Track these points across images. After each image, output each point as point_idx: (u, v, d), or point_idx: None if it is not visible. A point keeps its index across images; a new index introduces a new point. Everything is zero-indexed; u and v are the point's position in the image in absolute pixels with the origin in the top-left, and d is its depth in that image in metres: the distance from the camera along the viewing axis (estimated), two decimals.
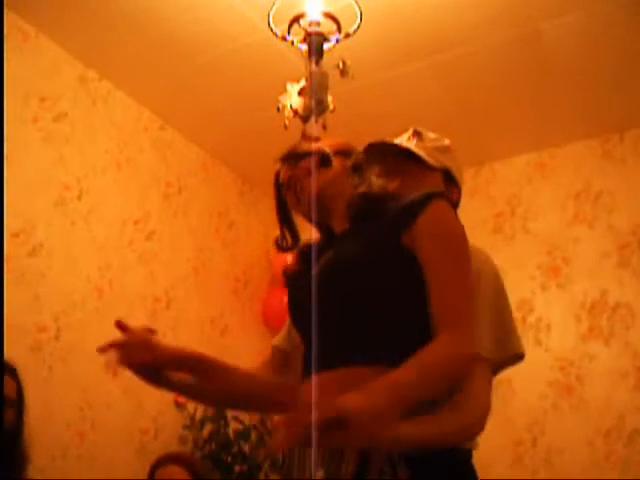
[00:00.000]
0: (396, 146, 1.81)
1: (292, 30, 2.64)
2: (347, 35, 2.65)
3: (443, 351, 1.35)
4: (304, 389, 1.45)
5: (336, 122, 2.47)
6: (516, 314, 4.21)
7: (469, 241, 1.52)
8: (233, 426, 3.84)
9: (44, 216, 3.30)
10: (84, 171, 3.54)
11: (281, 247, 1.72)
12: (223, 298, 4.28)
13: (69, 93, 3.54)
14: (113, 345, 1.66)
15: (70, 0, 3.17)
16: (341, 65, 2.51)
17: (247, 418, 3.87)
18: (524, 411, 3.86)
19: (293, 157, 1.66)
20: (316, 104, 2.41)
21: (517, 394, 3.88)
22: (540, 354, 3.90)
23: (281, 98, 2.53)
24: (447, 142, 1.86)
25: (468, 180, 4.44)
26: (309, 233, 1.72)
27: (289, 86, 2.54)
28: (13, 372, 2.55)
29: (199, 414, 3.80)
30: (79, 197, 3.49)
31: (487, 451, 3.91)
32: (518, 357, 1.61)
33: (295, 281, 1.66)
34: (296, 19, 2.61)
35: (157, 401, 3.69)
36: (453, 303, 1.40)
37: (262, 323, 4.37)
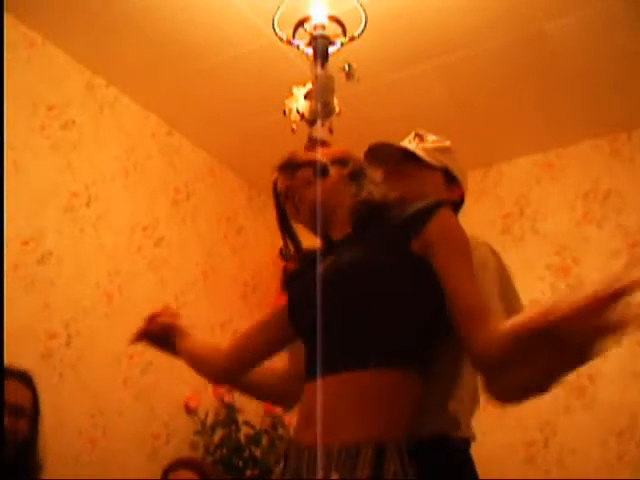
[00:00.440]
0: (396, 147, 1.84)
1: (297, 34, 2.64)
2: (352, 38, 2.65)
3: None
4: (309, 391, 1.47)
5: (342, 125, 2.47)
6: None
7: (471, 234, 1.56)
8: (244, 431, 3.84)
9: (53, 223, 3.31)
10: (92, 178, 3.56)
11: (285, 256, 1.73)
12: (232, 303, 4.28)
13: (76, 100, 3.55)
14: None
15: (76, 7, 3.18)
16: (347, 68, 2.51)
17: (258, 423, 3.87)
18: (536, 411, 3.84)
19: (290, 166, 1.67)
20: (322, 107, 2.41)
21: None
22: None
23: (287, 102, 2.53)
24: (447, 143, 1.89)
25: (476, 182, 4.44)
26: (311, 240, 1.73)
27: (295, 90, 2.54)
28: (29, 381, 2.54)
29: (210, 419, 3.81)
30: (88, 204, 3.50)
31: (499, 451, 3.91)
32: None
33: (295, 284, 1.68)
34: (301, 23, 2.61)
35: (168, 407, 3.69)
36: (477, 298, 1.44)
37: None
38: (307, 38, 2.62)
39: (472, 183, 4.36)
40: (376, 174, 1.72)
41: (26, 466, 2.47)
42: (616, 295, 1.11)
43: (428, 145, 1.86)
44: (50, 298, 3.22)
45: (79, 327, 3.32)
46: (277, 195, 1.71)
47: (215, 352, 1.90)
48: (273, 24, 2.66)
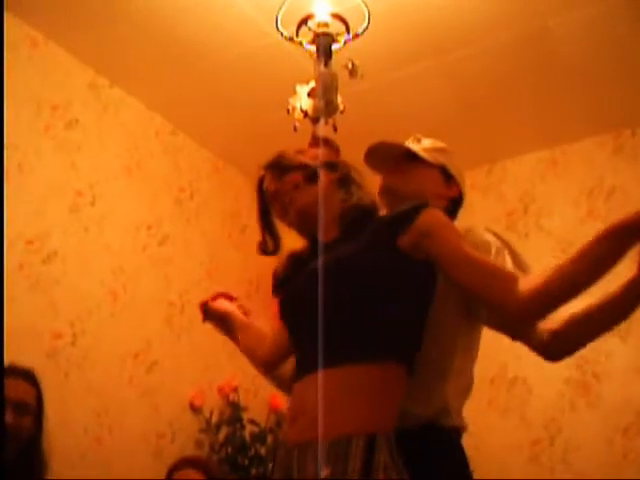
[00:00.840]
0: (396, 146, 1.89)
1: (300, 32, 2.64)
2: (356, 36, 2.65)
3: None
4: (297, 389, 1.49)
5: (346, 123, 2.47)
6: None
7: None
8: (249, 429, 3.84)
9: (58, 223, 3.32)
10: (96, 177, 3.56)
11: (264, 251, 1.77)
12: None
13: (80, 100, 3.56)
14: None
15: (78, 6, 3.19)
16: (350, 66, 2.51)
17: (263, 421, 3.87)
18: (541, 409, 3.83)
19: (279, 167, 1.69)
20: (326, 105, 2.41)
21: (533, 392, 3.86)
22: None
23: (291, 100, 2.54)
24: (443, 144, 1.96)
25: (480, 178, 4.44)
26: (291, 236, 1.76)
27: (299, 88, 2.54)
28: (33, 379, 2.55)
29: (215, 418, 3.81)
30: (92, 203, 3.50)
31: (504, 450, 3.91)
32: None
33: (285, 286, 1.70)
34: (304, 21, 2.61)
35: (173, 405, 3.70)
36: (494, 266, 1.52)
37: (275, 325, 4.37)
38: (310, 36, 2.62)
39: (476, 180, 4.42)
40: (363, 179, 1.74)
41: (31, 462, 2.47)
42: None
43: (425, 145, 1.91)
44: (55, 297, 3.23)
45: (84, 326, 3.32)
46: (262, 192, 1.75)
47: (262, 344, 1.90)
48: (276, 22, 2.66)
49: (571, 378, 3.81)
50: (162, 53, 3.49)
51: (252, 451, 3.79)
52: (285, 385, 1.88)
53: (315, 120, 2.45)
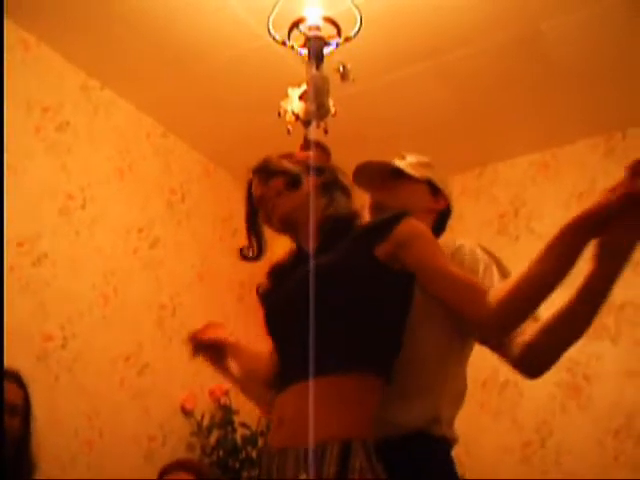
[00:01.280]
0: (380, 165, 1.93)
1: (292, 35, 2.64)
2: (347, 39, 2.65)
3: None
4: (279, 400, 1.49)
5: (338, 126, 2.47)
6: None
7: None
8: (240, 432, 3.84)
9: (48, 225, 3.31)
10: (87, 180, 3.55)
11: (246, 256, 1.77)
12: (228, 304, 4.28)
13: (71, 102, 3.55)
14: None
15: (70, 9, 3.18)
16: (341, 69, 2.51)
17: (254, 424, 3.87)
18: (532, 412, 3.84)
19: (265, 172, 1.69)
20: (317, 108, 2.41)
21: (525, 395, 3.86)
22: None
23: (282, 103, 2.54)
24: (427, 159, 1.99)
25: (471, 181, 4.45)
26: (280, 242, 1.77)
27: (290, 91, 2.55)
28: (18, 379, 2.55)
29: (206, 421, 3.80)
30: (83, 206, 3.49)
31: (496, 452, 3.91)
32: None
33: (269, 298, 1.70)
34: (296, 24, 2.62)
35: (164, 408, 3.69)
36: (466, 279, 1.49)
37: None
38: (302, 39, 2.62)
39: (468, 182, 4.42)
40: (349, 184, 1.74)
41: (20, 464, 2.47)
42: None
43: (410, 161, 1.95)
44: (46, 300, 3.22)
45: (75, 329, 3.31)
46: (250, 195, 1.74)
47: (262, 363, 1.81)
48: (268, 25, 2.66)
49: (562, 381, 3.82)
50: (153, 55, 3.49)
51: (243, 454, 3.78)
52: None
53: (307, 123, 2.45)
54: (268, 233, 1.79)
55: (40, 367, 3.12)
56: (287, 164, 1.69)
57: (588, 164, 4.13)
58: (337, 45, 2.63)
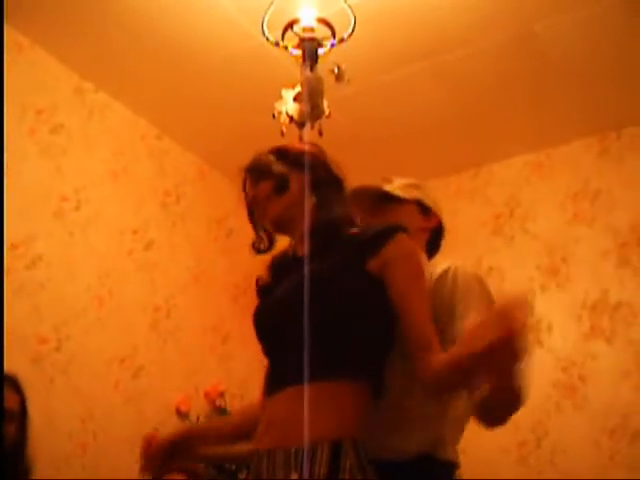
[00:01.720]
0: (369, 190, 1.94)
1: (286, 36, 2.64)
2: (341, 40, 2.65)
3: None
4: (268, 404, 1.49)
5: (333, 127, 2.47)
6: None
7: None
8: None
9: (43, 228, 3.30)
10: (82, 182, 3.54)
11: (258, 249, 1.77)
12: (223, 305, 4.27)
13: (65, 104, 3.54)
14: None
15: (64, 11, 3.17)
16: (336, 70, 2.51)
17: None
18: (528, 412, 3.80)
19: (256, 171, 1.70)
20: (311, 110, 2.41)
21: None
22: (542, 355, 3.89)
23: (277, 104, 2.54)
24: (414, 180, 2.00)
25: (466, 182, 4.45)
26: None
27: (284, 92, 2.55)
28: (16, 384, 2.55)
29: (202, 423, 3.79)
30: (77, 208, 3.49)
31: (491, 452, 3.91)
32: None
33: (265, 295, 1.70)
34: (290, 25, 2.61)
35: (159, 411, 3.68)
36: (429, 326, 1.49)
37: None
38: (296, 40, 2.62)
39: (463, 183, 4.42)
40: (342, 178, 1.72)
41: (15, 469, 2.47)
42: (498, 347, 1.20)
43: (398, 184, 1.96)
44: (40, 302, 3.21)
45: (69, 331, 3.30)
46: (247, 195, 1.74)
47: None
48: (262, 27, 2.66)
49: (557, 381, 3.82)
50: (147, 58, 3.48)
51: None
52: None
53: (301, 125, 2.45)
54: None
55: (35, 370, 3.11)
56: (276, 166, 1.67)
57: (582, 164, 4.14)
58: (331, 46, 2.63)
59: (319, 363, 1.45)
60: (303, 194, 1.64)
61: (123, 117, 3.86)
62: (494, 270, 4.13)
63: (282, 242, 1.77)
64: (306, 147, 1.76)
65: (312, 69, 2.52)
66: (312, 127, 2.45)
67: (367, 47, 3.33)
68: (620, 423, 3.61)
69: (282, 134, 2.42)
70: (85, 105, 3.65)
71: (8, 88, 3.20)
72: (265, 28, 2.66)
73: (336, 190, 1.68)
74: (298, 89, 2.52)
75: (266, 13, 2.64)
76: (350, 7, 2.68)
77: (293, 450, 1.39)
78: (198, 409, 3.82)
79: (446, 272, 1.67)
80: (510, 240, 4.23)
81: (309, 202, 1.63)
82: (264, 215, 1.67)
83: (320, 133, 2.44)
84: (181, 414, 3.75)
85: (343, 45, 2.68)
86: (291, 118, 2.47)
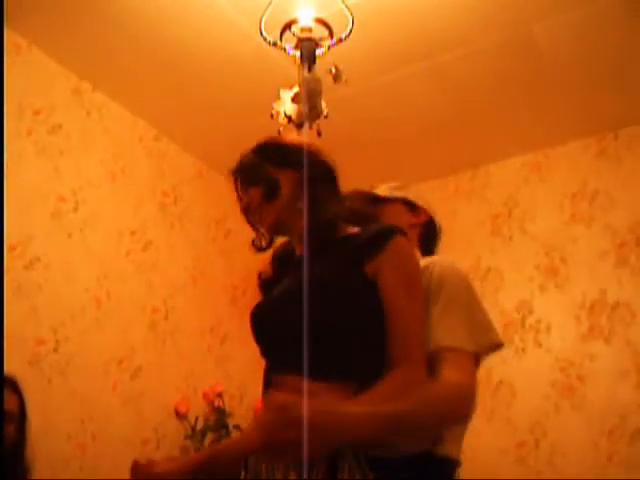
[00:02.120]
0: (356, 194, 1.97)
1: (284, 37, 2.64)
2: (339, 41, 2.65)
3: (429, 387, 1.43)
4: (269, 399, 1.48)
5: (332, 128, 2.47)
6: (515, 316, 4.20)
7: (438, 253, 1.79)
8: (235, 435, 3.83)
9: (40, 229, 3.29)
10: (80, 183, 3.54)
11: (258, 247, 1.76)
12: (222, 306, 4.27)
13: (63, 105, 3.54)
14: None
15: (62, 11, 3.17)
16: (333, 70, 2.51)
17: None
18: (526, 412, 3.85)
19: (243, 177, 1.69)
20: (310, 110, 2.41)
21: (519, 395, 3.87)
22: (541, 355, 3.89)
23: (275, 105, 2.54)
24: (399, 183, 2.09)
25: (465, 183, 4.46)
26: None
27: (282, 93, 2.54)
28: (14, 386, 2.54)
29: (200, 424, 3.79)
30: (75, 209, 3.48)
31: (490, 453, 3.91)
32: (496, 346, 1.65)
33: (267, 290, 1.71)
34: (288, 26, 2.61)
35: (158, 412, 3.68)
36: (414, 336, 1.47)
37: None
38: (294, 41, 2.62)
39: (461, 184, 4.43)
40: (335, 173, 1.70)
41: (14, 470, 2.47)
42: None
43: (383, 187, 2.04)
44: (38, 303, 3.20)
45: (67, 332, 3.30)
46: (239, 198, 1.73)
47: None
48: (260, 27, 2.66)
49: (556, 381, 3.82)
50: (145, 58, 3.48)
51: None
52: None
53: (299, 125, 2.45)
54: None
55: (33, 371, 3.11)
56: (263, 169, 1.65)
57: (580, 164, 4.14)
58: (329, 47, 2.63)
59: (316, 364, 1.44)
60: (295, 194, 1.62)
61: (121, 118, 3.86)
62: (493, 270, 4.14)
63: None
64: (295, 140, 1.74)
65: (310, 70, 2.52)
66: (310, 128, 2.44)
67: (365, 48, 3.33)
68: (618, 423, 3.61)
69: (279, 134, 2.42)
70: (83, 106, 3.65)
71: (6, 89, 3.20)
72: (263, 29, 2.66)
73: (329, 185, 1.66)
74: (296, 90, 2.52)
75: (264, 13, 2.64)
76: (348, 8, 2.68)
77: None
78: (197, 410, 3.82)
79: (427, 267, 1.66)
80: (508, 240, 4.23)
81: (300, 203, 1.61)
82: (260, 222, 1.67)
83: (318, 134, 2.43)
84: (180, 415, 3.75)
85: (341, 46, 2.68)
86: (289, 119, 2.47)
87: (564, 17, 3.21)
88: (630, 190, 3.95)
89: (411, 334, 1.47)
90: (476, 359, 1.59)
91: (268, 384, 1.57)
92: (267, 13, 2.64)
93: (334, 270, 1.52)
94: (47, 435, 3.04)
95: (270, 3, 2.65)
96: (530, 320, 4.00)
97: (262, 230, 1.73)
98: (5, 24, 3.24)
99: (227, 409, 3.88)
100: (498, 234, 4.26)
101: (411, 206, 2.00)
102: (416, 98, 3.79)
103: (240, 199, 1.72)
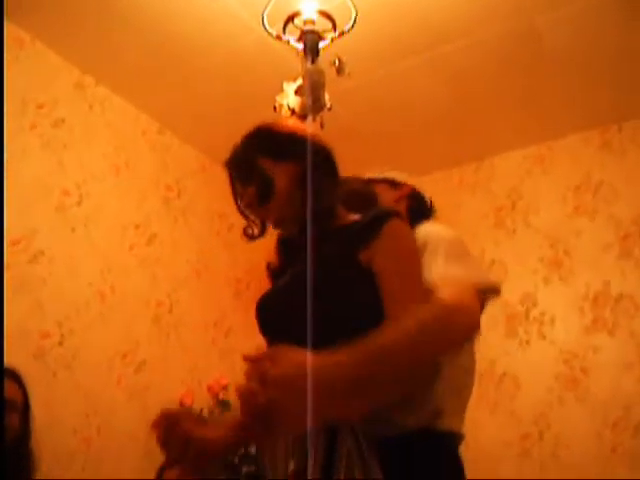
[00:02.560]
0: (348, 178, 1.99)
1: (287, 29, 2.64)
2: (342, 33, 2.65)
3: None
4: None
5: (335, 120, 2.47)
6: (519, 308, 4.20)
7: (434, 224, 1.76)
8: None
9: (44, 222, 3.30)
10: (83, 176, 3.54)
11: (250, 236, 1.76)
12: (226, 300, 4.28)
13: (66, 99, 3.54)
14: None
15: (65, 6, 3.17)
16: (337, 63, 2.51)
17: None
18: (530, 405, 3.85)
19: (237, 172, 1.71)
20: (313, 102, 2.41)
21: (522, 388, 3.87)
22: (545, 347, 3.90)
23: (278, 98, 2.53)
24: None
25: (469, 175, 4.46)
26: None
27: (286, 85, 2.54)
28: (17, 378, 2.55)
29: (205, 417, 3.80)
30: (79, 203, 3.49)
31: (494, 445, 3.92)
32: (494, 288, 1.62)
33: (277, 279, 1.71)
34: (291, 18, 2.61)
35: (163, 405, 3.67)
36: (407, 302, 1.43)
37: None
38: (297, 33, 2.62)
39: (465, 177, 4.43)
40: (332, 159, 1.69)
41: (19, 462, 2.47)
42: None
43: (367, 175, 2.14)
44: (42, 297, 3.21)
45: (72, 326, 3.31)
46: (233, 189, 1.73)
47: None
48: (263, 20, 2.66)
49: (560, 373, 3.82)
50: (148, 51, 3.48)
51: (242, 450, 3.78)
52: None
53: (302, 117, 2.45)
54: None
55: (37, 365, 3.12)
56: (259, 165, 1.64)
57: (584, 157, 4.14)
58: (332, 39, 2.62)
59: (318, 352, 1.45)
60: (292, 186, 1.60)
61: (124, 111, 3.86)
62: (496, 263, 4.14)
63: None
64: (289, 128, 1.72)
65: (313, 62, 2.52)
66: (313, 120, 2.44)
67: (368, 40, 3.32)
68: (622, 415, 3.62)
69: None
70: (86, 99, 3.65)
71: (9, 83, 3.20)
72: (266, 21, 2.66)
73: (328, 171, 1.65)
74: (299, 82, 2.52)
75: (267, 6, 2.64)
76: (351, 0, 2.67)
77: (291, 439, 1.39)
78: (201, 403, 3.82)
79: (418, 232, 1.65)
80: (512, 233, 4.23)
81: (297, 194, 1.59)
82: (265, 220, 1.69)
83: (321, 126, 2.43)
84: (184, 408, 3.76)
85: (344, 38, 2.68)
86: (292, 111, 2.47)
87: (566, 8, 3.20)
88: (634, 182, 3.94)
89: (404, 301, 1.43)
90: (478, 298, 1.52)
91: None
92: (270, 5, 2.64)
93: (330, 260, 1.51)
94: (52, 429, 3.05)
95: None
96: (534, 312, 4.00)
97: (252, 219, 1.74)
98: (8, 18, 3.24)
99: (232, 402, 3.88)
100: (502, 226, 4.26)
101: (391, 183, 2.10)
102: (420, 90, 3.78)
103: (234, 191, 1.72)
